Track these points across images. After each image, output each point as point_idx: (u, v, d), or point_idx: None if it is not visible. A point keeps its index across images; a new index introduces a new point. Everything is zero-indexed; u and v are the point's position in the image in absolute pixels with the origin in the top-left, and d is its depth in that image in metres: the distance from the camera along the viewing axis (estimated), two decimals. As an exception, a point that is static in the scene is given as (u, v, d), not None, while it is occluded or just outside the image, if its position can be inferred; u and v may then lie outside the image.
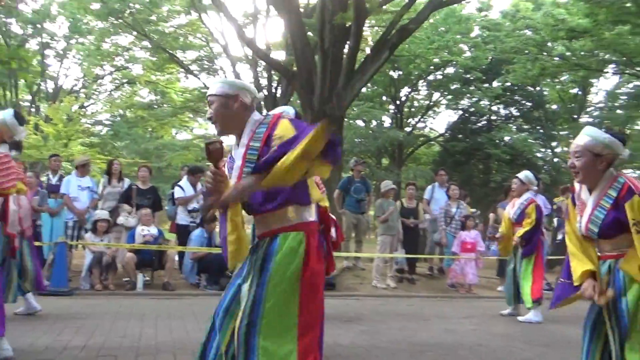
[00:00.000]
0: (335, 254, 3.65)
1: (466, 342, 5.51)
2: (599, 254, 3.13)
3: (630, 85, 24.20)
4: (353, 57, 13.45)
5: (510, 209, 7.42)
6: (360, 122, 26.65)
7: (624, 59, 19.27)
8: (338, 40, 13.34)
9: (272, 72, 19.12)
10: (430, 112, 28.67)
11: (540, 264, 7.08)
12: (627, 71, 21.12)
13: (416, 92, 27.66)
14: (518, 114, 27.08)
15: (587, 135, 3.12)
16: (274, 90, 19.85)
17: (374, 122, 26.72)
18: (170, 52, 21.29)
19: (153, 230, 8.79)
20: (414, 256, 10.42)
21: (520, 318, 7.01)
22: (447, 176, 11.63)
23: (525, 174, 7.42)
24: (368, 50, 16.50)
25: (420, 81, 26.11)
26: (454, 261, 9.92)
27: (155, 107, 28.34)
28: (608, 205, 3.02)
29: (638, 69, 19.86)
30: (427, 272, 10.86)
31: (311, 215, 2.66)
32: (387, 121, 27.93)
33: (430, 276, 10.74)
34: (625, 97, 24.52)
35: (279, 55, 19.58)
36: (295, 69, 14.14)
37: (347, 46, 13.48)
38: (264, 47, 18.37)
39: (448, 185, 10.85)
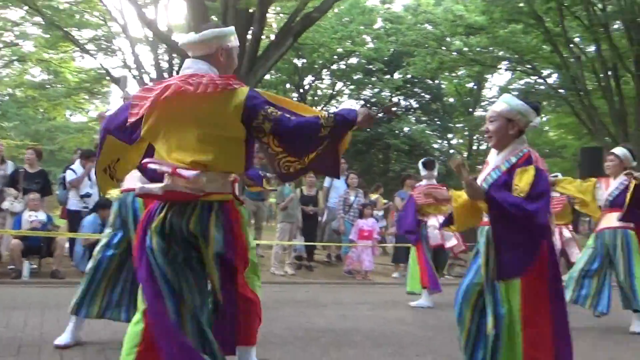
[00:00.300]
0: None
1: (361, 328, 5.62)
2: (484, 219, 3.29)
3: (522, 81, 25.47)
4: (256, 44, 13.31)
5: None
6: (263, 110, 26.53)
7: (516, 56, 20.25)
8: (241, 26, 13.15)
9: (174, 55, 18.62)
10: (333, 102, 28.92)
11: (421, 252, 7.25)
12: (519, 68, 22.20)
13: (320, 81, 27.83)
14: (417, 105, 27.85)
15: (503, 102, 3.27)
16: (175, 74, 19.34)
17: (277, 110, 26.64)
18: (65, 29, 20.23)
19: (41, 215, 8.36)
20: (313, 244, 10.51)
21: (412, 303, 7.22)
22: (347, 165, 11.81)
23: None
24: (272, 37, 16.40)
25: (324, 70, 26.28)
26: (351, 248, 10.10)
27: (48, 87, 26.93)
28: (505, 168, 3.17)
29: (528, 66, 20.92)
30: (325, 259, 11.00)
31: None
32: (291, 109, 27.92)
33: (328, 263, 10.90)
34: (517, 93, 25.76)
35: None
36: (197, 52, 13.82)
37: (250, 32, 13.33)
38: (165, 29, 17.86)
39: (347, 173, 11.00)
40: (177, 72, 19.68)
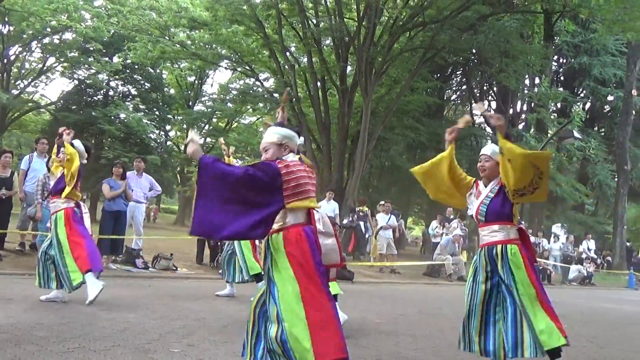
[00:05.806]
0: None
1: (46, 322, 5.21)
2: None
3: (241, 82, 26.39)
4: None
5: None
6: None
7: (237, 56, 20.89)
8: None
9: None
10: (43, 77, 26.76)
11: None
12: (239, 68, 22.93)
13: (28, 53, 25.49)
14: (136, 93, 27.13)
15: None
16: None
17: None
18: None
19: None
20: (3, 231, 9.50)
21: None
22: (49, 146, 10.82)
23: None
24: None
25: (34, 42, 24.10)
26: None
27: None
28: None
29: (247, 67, 21.72)
30: (18, 249, 10.02)
31: None
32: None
33: (21, 252, 9.94)
34: (236, 92, 26.64)
35: None
36: None
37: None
38: None
39: (49, 156, 10.11)
40: None
